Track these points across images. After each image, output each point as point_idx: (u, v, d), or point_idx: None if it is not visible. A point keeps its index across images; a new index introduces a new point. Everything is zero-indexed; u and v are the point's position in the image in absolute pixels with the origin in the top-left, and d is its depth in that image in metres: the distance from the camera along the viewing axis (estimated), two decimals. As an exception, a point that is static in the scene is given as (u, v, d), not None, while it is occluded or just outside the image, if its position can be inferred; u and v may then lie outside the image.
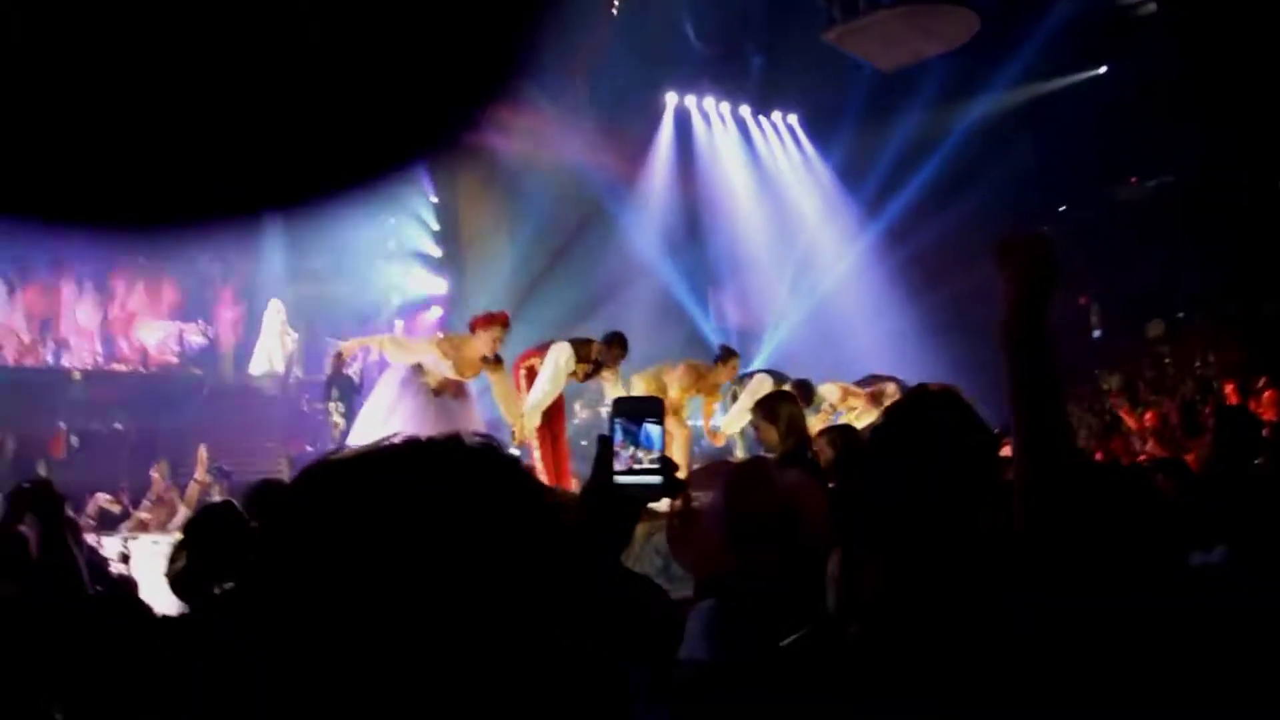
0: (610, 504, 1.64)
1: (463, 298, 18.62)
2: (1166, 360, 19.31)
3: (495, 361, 9.23)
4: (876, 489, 1.92)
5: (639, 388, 10.16)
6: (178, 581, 4.09)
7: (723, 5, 18.58)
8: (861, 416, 10.11)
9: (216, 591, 4.01)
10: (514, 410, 9.32)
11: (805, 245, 21.48)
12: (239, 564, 3.79)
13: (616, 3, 18.99)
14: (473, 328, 9.22)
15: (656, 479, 1.62)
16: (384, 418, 9.07)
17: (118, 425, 15.14)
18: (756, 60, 20.57)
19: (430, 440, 1.00)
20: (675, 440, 10.08)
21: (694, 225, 21.49)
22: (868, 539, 1.98)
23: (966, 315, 15.77)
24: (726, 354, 11.03)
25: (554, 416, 9.64)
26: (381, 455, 0.98)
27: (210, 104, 14.58)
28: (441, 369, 9.15)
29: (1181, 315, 20.58)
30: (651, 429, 1.64)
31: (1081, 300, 21.40)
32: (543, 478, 8.99)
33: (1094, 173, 20.70)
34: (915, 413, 1.95)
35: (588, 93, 18.89)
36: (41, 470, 11.96)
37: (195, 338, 18.29)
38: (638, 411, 1.65)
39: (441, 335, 9.55)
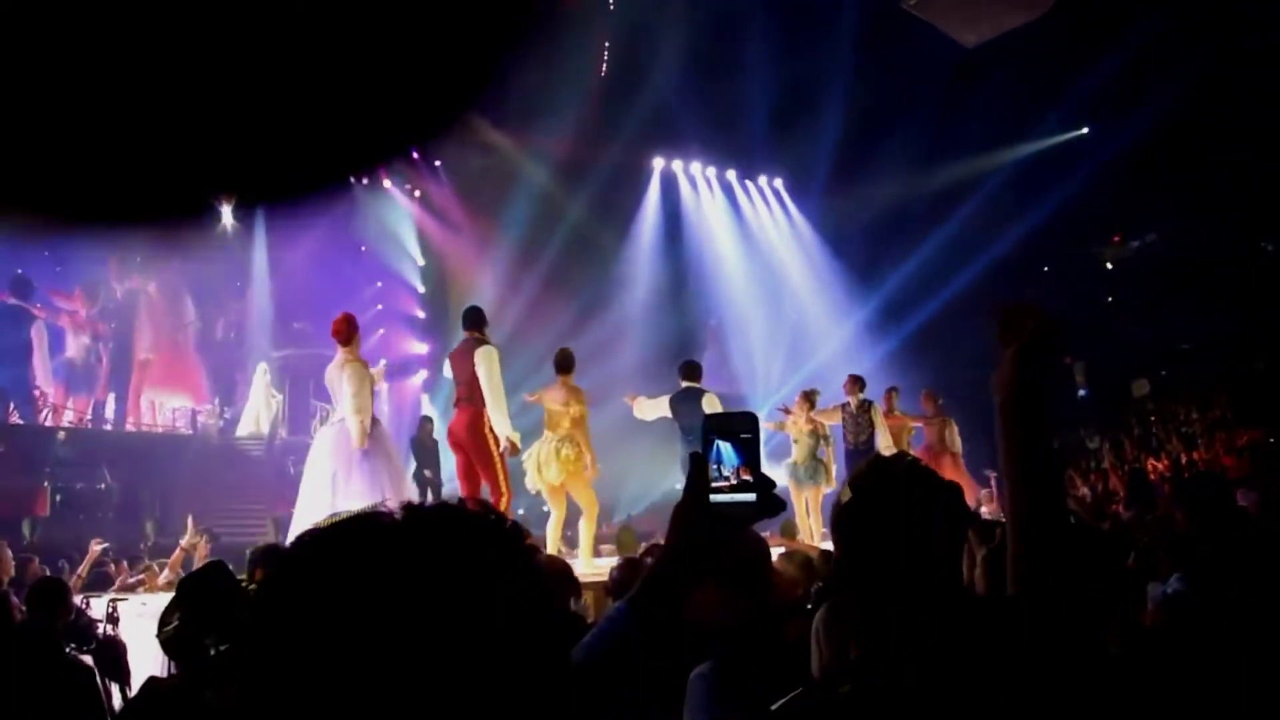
0: (705, 524, 1.56)
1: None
2: (1152, 418, 19.36)
3: (476, 347, 9.26)
4: (852, 554, 1.95)
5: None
6: (171, 643, 4.10)
7: (709, 71, 18.74)
8: None
9: (212, 652, 4.01)
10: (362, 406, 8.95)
11: (791, 308, 21.56)
12: (232, 624, 3.93)
13: (604, 69, 19.21)
14: (348, 336, 9.07)
15: (752, 496, 1.54)
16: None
17: (101, 485, 15.05)
18: (742, 125, 20.74)
19: (423, 507, 1.04)
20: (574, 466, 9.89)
21: (680, 289, 21.56)
22: (852, 600, 2.01)
23: (954, 374, 15.85)
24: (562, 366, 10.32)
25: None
26: (373, 523, 1.02)
27: (200, 141, 14.74)
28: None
29: (1164, 373, 20.68)
30: (746, 447, 1.56)
31: (1066, 360, 21.47)
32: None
33: (1078, 232, 20.83)
34: (877, 482, 1.96)
35: (575, 157, 19.01)
36: (26, 529, 11.90)
37: (209, 420, 18.19)
38: (731, 428, 1.58)
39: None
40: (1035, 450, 1.87)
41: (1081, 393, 21.73)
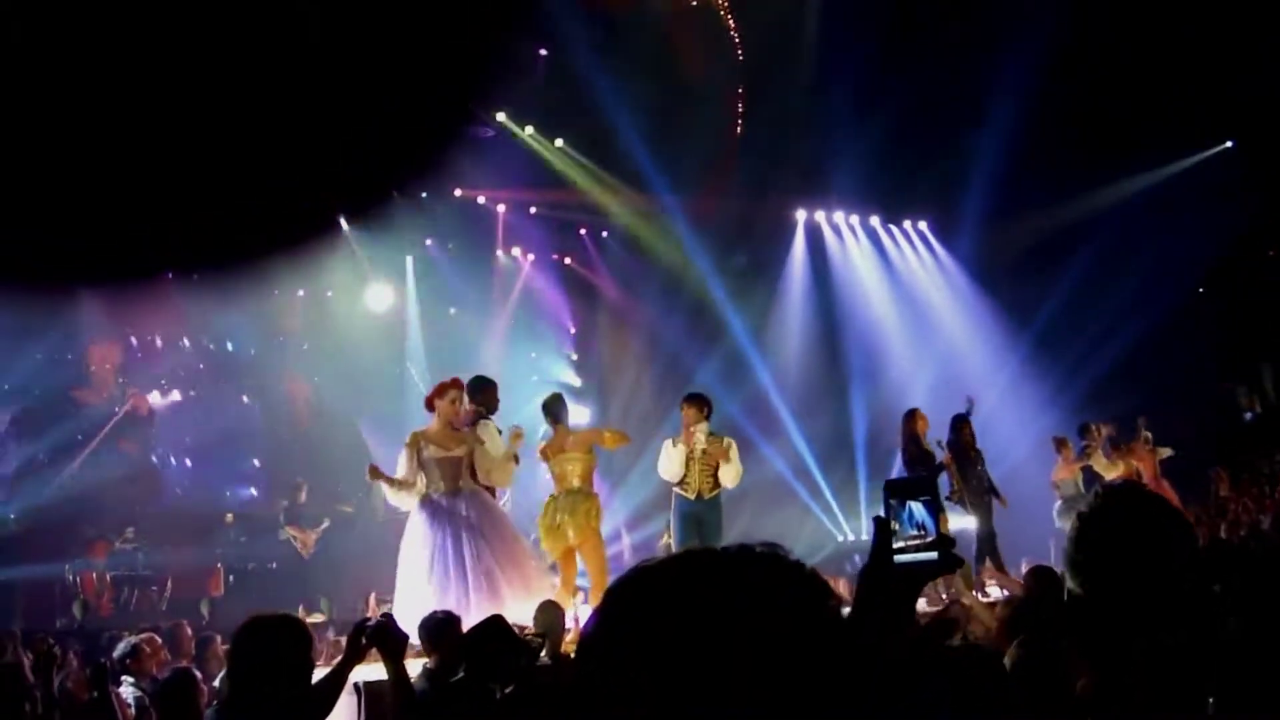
0: (890, 582, 1.67)
1: (604, 424, 18.63)
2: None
3: (475, 421, 8.96)
4: (1088, 586, 2.06)
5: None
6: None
7: (845, 121, 18.59)
8: None
9: (498, 695, 5.12)
10: (502, 473, 8.89)
11: (945, 350, 21.09)
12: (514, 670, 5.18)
13: (740, 125, 19.20)
14: (429, 405, 8.91)
15: (933, 555, 1.66)
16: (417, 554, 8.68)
17: (272, 564, 15.33)
18: (882, 168, 20.50)
19: (723, 550, 1.20)
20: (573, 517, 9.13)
21: (832, 340, 21.28)
22: (1079, 634, 2.13)
23: (1117, 402, 15.38)
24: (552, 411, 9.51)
25: None
26: (683, 564, 1.19)
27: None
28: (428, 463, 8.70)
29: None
30: (924, 508, 1.69)
31: (1224, 385, 20.63)
32: None
33: (1226, 251, 19.90)
34: (1109, 511, 2.08)
35: (716, 214, 18.97)
36: (204, 609, 12.14)
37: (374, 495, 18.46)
38: (910, 492, 1.71)
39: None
40: None
41: (1248, 415, 20.74)
